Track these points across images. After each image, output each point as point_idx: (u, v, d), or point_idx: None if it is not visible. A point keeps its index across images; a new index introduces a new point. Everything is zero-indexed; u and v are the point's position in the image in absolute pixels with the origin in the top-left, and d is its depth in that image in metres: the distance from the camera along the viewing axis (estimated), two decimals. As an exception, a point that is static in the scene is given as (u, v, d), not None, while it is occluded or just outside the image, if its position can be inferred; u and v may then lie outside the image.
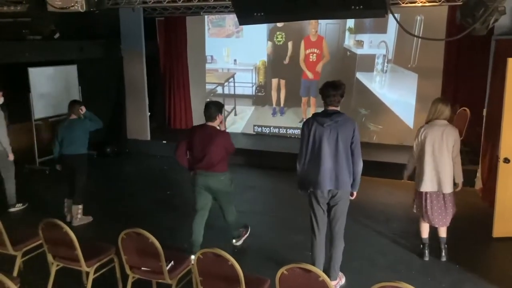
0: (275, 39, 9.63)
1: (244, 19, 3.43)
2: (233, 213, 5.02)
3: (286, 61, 9.56)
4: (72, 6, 4.06)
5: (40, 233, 3.95)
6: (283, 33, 9.51)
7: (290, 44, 9.48)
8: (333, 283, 4.22)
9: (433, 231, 4.86)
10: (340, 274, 4.39)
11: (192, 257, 3.83)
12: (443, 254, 4.81)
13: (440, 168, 4.55)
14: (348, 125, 4.03)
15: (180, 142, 4.83)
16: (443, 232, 4.81)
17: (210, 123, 4.72)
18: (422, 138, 4.60)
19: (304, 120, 4.39)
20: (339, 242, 4.23)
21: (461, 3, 6.64)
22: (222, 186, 4.79)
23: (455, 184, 4.67)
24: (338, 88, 4.03)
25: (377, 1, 2.89)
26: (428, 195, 4.66)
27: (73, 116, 5.82)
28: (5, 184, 6.23)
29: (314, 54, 9.34)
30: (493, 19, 2.96)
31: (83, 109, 5.86)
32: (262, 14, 3.21)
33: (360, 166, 4.09)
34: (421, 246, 4.89)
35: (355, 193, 4.20)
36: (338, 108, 4.10)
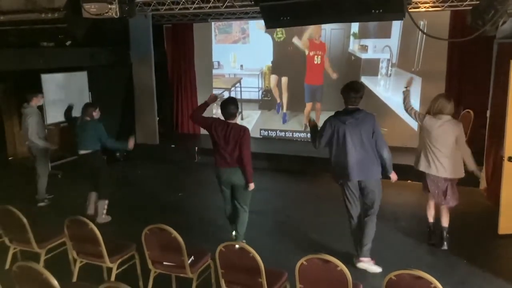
0: (275, 36, 9.79)
1: (271, 23, 3.64)
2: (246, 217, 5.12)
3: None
4: (107, 13, 4.29)
5: (65, 230, 4.12)
6: (282, 29, 9.64)
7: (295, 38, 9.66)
8: (364, 259, 4.64)
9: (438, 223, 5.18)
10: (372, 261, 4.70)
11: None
12: (445, 243, 5.08)
13: (438, 155, 4.88)
14: (368, 119, 4.48)
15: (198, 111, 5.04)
16: (445, 222, 5.10)
17: (231, 121, 4.85)
18: (425, 126, 4.93)
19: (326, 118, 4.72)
20: (371, 221, 4.69)
21: (463, 8, 6.88)
22: (243, 182, 4.91)
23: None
24: (358, 91, 4.49)
25: (396, 5, 3.08)
26: (432, 177, 5.00)
27: (87, 118, 6.01)
28: (39, 180, 6.81)
29: (319, 56, 9.54)
30: (502, 21, 3.15)
31: (96, 112, 6.10)
32: (288, 18, 3.41)
33: (385, 152, 4.52)
34: (428, 229, 5.26)
35: (393, 175, 4.68)
36: (358, 106, 4.52)
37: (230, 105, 4.82)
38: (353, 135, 4.44)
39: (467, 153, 4.94)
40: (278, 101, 10.08)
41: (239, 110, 4.93)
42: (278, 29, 9.69)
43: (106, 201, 6.11)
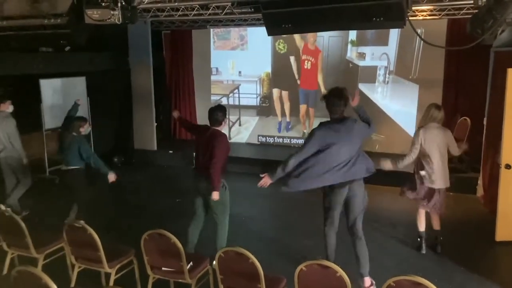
0: (277, 46, 9.85)
1: (273, 30, 3.66)
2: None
3: (296, 76, 9.82)
4: (109, 19, 4.31)
5: (64, 235, 4.11)
6: (285, 42, 9.76)
7: (292, 58, 9.75)
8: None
9: (430, 226, 5.24)
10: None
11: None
12: (439, 246, 5.18)
13: (436, 166, 4.93)
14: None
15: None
16: (437, 225, 5.20)
17: (215, 128, 4.79)
18: (423, 141, 4.93)
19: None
20: None
21: (460, 16, 6.94)
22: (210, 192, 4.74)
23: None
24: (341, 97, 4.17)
25: (396, 13, 3.12)
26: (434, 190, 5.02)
27: (73, 134, 5.78)
28: (16, 188, 6.35)
29: (309, 62, 9.61)
30: (500, 30, 3.20)
31: (84, 128, 5.84)
32: (289, 25, 3.43)
33: None
34: (418, 239, 5.25)
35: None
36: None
37: (218, 112, 4.77)
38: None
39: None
40: (280, 119, 10.15)
41: (226, 118, 4.84)
42: (281, 42, 9.76)
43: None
